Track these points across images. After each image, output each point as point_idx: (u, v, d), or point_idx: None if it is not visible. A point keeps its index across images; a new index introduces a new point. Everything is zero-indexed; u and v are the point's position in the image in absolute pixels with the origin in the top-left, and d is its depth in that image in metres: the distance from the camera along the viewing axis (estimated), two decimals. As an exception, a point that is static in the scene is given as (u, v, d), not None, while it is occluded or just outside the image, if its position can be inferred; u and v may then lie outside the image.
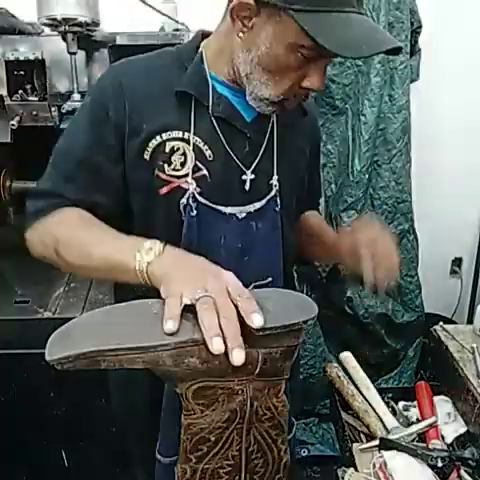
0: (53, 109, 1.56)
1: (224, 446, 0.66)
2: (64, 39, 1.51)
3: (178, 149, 0.81)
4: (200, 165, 0.82)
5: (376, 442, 1.05)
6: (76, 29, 1.50)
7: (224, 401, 0.64)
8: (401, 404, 1.19)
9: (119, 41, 1.57)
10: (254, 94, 0.78)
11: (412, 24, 1.85)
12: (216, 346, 0.56)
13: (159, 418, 0.87)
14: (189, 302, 0.59)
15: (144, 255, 0.67)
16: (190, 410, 0.64)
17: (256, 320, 0.58)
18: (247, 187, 0.85)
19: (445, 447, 1.06)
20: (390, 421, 1.10)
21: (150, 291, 0.67)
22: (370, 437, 1.11)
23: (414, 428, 1.09)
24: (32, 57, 1.55)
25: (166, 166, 0.81)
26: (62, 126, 1.56)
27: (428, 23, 1.89)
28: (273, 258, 0.90)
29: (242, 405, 0.65)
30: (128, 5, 1.70)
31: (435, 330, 1.30)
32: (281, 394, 0.68)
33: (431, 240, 2.20)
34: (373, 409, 1.14)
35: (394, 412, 1.16)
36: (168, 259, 0.67)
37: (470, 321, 2.26)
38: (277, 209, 0.88)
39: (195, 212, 0.82)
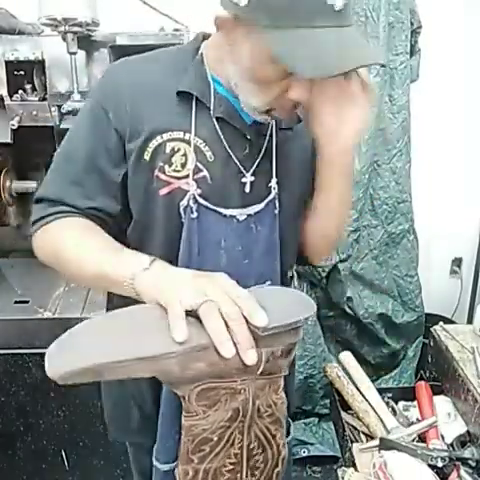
0: (53, 109, 1.56)
1: (226, 445, 0.67)
2: (64, 39, 1.51)
3: (179, 150, 0.81)
4: (201, 166, 0.81)
5: (376, 442, 1.05)
6: (76, 29, 1.50)
7: (227, 401, 0.64)
8: (401, 404, 1.20)
9: (119, 41, 1.57)
10: (244, 102, 0.78)
11: (412, 24, 1.85)
12: (228, 350, 0.57)
13: (156, 424, 0.87)
14: (190, 308, 0.60)
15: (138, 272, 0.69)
16: (192, 412, 0.64)
17: (260, 320, 0.59)
18: (247, 189, 0.85)
19: (445, 447, 1.06)
20: (390, 421, 1.10)
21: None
22: (370, 437, 1.11)
23: (414, 428, 1.09)
24: (32, 57, 1.55)
25: (166, 167, 0.81)
26: (62, 126, 1.56)
27: (428, 23, 1.89)
28: (272, 261, 0.89)
29: (244, 404, 0.65)
30: (128, 5, 1.70)
31: (435, 330, 1.30)
32: (280, 390, 0.69)
33: (431, 240, 2.20)
34: (373, 409, 1.14)
35: (394, 412, 1.16)
36: (156, 271, 0.69)
37: (470, 321, 2.27)
38: (276, 212, 0.87)
39: (195, 214, 0.81)
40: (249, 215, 0.85)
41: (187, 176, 0.81)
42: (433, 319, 1.79)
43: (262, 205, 0.86)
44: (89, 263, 0.75)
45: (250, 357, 0.59)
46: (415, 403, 1.18)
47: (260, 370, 0.63)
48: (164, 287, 0.64)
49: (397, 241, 2.01)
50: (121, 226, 0.87)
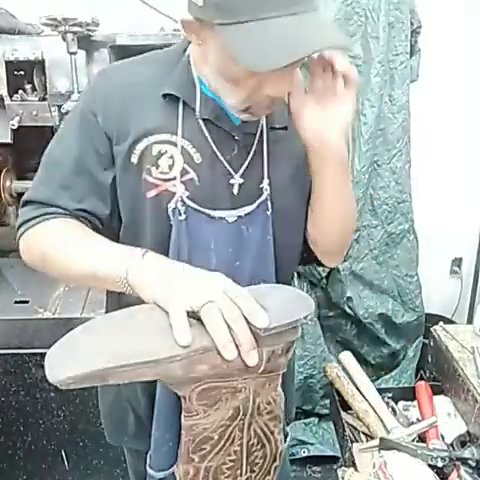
0: (53, 109, 1.56)
1: (226, 443, 0.67)
2: (64, 39, 1.51)
3: (165, 152, 0.80)
4: (188, 168, 0.81)
5: (376, 442, 1.05)
6: (76, 29, 1.50)
7: (227, 400, 0.64)
8: (401, 404, 1.20)
9: (119, 41, 1.57)
10: (224, 102, 0.78)
11: (412, 24, 1.85)
12: (230, 353, 0.58)
13: (150, 431, 0.86)
14: (191, 310, 0.60)
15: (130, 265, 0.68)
16: (192, 411, 0.64)
17: (261, 320, 0.59)
18: (235, 191, 0.84)
19: (445, 447, 1.06)
20: (390, 421, 1.10)
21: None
22: (370, 437, 1.11)
23: (414, 428, 1.09)
24: (32, 57, 1.55)
25: (153, 169, 0.80)
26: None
27: (428, 23, 1.89)
28: (265, 263, 0.88)
29: (245, 402, 0.65)
30: (128, 5, 1.70)
31: (435, 330, 1.30)
32: (279, 387, 0.69)
33: (431, 240, 2.20)
34: (373, 409, 1.14)
35: (394, 412, 1.16)
36: (151, 265, 0.68)
37: (470, 321, 2.27)
38: (268, 213, 0.86)
39: (184, 216, 0.80)
40: (239, 217, 0.84)
41: (174, 178, 0.80)
42: (433, 319, 1.79)
43: (253, 206, 0.85)
44: (79, 262, 0.75)
45: (252, 358, 0.59)
46: (415, 403, 1.18)
47: (261, 369, 0.64)
48: (162, 287, 0.64)
49: (397, 241, 2.01)
50: (113, 230, 0.87)
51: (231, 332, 0.59)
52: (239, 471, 0.70)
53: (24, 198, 0.87)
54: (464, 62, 2.09)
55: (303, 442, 2.03)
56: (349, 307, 1.99)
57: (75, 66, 1.55)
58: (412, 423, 1.13)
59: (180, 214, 0.80)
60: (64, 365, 0.57)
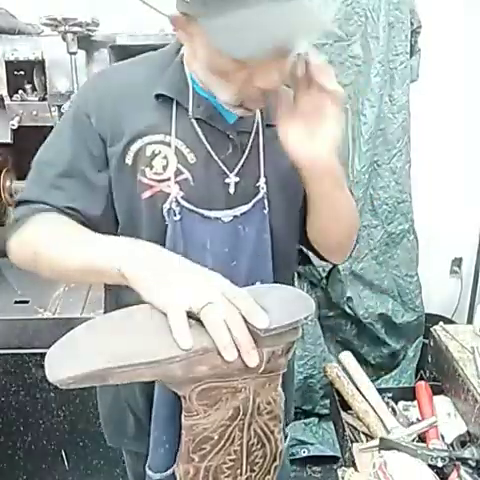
0: (53, 109, 1.56)
1: (227, 442, 0.67)
2: (64, 39, 1.51)
3: (159, 152, 0.80)
4: (182, 169, 0.80)
5: (376, 442, 1.05)
6: (76, 29, 1.50)
7: (227, 400, 0.64)
8: (401, 404, 1.19)
9: (119, 41, 1.57)
10: (217, 98, 0.77)
11: (412, 24, 1.85)
12: (231, 354, 0.57)
13: (149, 431, 0.87)
14: (190, 310, 0.59)
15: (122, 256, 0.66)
16: (192, 411, 0.64)
17: (261, 321, 0.58)
18: (231, 190, 0.83)
19: (445, 447, 1.06)
20: (390, 421, 1.10)
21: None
22: (370, 437, 1.11)
23: (414, 428, 1.09)
24: (32, 57, 1.55)
25: (147, 170, 0.80)
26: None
27: (428, 23, 1.89)
28: (262, 262, 0.87)
29: (245, 402, 0.65)
30: (128, 5, 1.70)
31: (435, 330, 1.30)
32: (279, 387, 0.69)
33: (431, 240, 2.20)
34: (373, 409, 1.14)
35: (394, 412, 1.16)
36: (146, 256, 0.66)
37: (470, 321, 2.27)
38: (265, 212, 0.85)
39: (179, 216, 0.80)
40: (235, 216, 0.83)
41: (169, 179, 0.80)
42: (433, 319, 1.79)
43: (249, 205, 0.84)
44: (73, 257, 0.73)
45: (253, 359, 0.59)
46: (415, 403, 1.18)
47: (261, 369, 0.64)
48: (157, 281, 0.62)
49: (397, 241, 2.01)
50: (107, 232, 0.87)
51: (231, 333, 0.58)
52: (239, 471, 0.70)
53: (16, 199, 0.87)
54: (464, 62, 2.09)
55: (303, 442, 2.03)
56: (349, 307, 1.99)
57: (75, 66, 1.55)
58: (412, 423, 1.13)
59: (175, 214, 0.80)
60: (64, 365, 0.57)
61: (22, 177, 1.81)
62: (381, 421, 1.11)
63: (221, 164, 0.82)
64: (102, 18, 1.57)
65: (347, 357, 1.28)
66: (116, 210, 0.85)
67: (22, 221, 0.82)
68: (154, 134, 0.80)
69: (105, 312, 0.92)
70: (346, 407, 1.19)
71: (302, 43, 0.70)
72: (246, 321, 0.59)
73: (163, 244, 0.80)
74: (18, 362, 1.52)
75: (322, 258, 1.00)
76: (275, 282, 0.89)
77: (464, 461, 1.00)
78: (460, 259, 2.42)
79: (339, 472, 1.01)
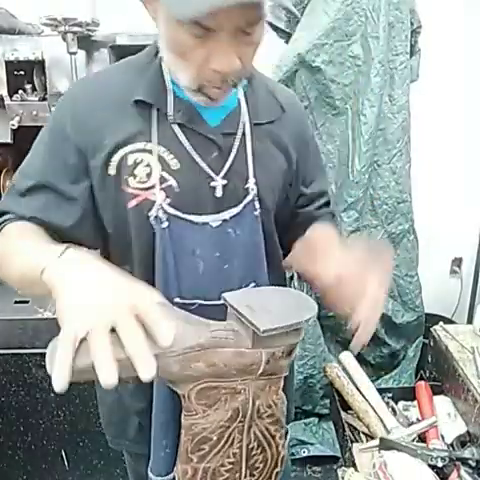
0: (53, 109, 1.56)
1: (225, 444, 0.67)
2: (64, 39, 1.51)
3: (141, 161, 0.78)
4: (166, 175, 0.79)
5: (376, 442, 1.05)
6: (76, 29, 1.50)
7: (226, 400, 0.64)
8: (401, 404, 1.20)
9: (119, 41, 1.57)
10: (178, 83, 0.75)
11: (412, 24, 1.85)
12: (108, 384, 0.51)
13: (150, 433, 0.87)
14: (84, 335, 0.53)
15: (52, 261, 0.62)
16: (192, 411, 0.64)
17: (164, 337, 0.54)
18: (218, 194, 0.81)
19: (445, 447, 1.06)
20: (390, 421, 1.10)
21: None
22: (370, 437, 1.11)
23: (414, 428, 1.09)
24: (32, 57, 1.55)
25: (131, 179, 0.78)
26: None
27: (428, 23, 1.89)
28: (256, 263, 0.87)
29: (244, 404, 0.65)
30: (128, 5, 1.69)
31: (435, 330, 1.30)
32: (280, 391, 0.69)
33: (431, 240, 2.20)
34: (373, 409, 1.14)
35: (394, 412, 1.16)
36: (64, 267, 0.61)
37: (470, 321, 2.27)
38: (256, 213, 0.84)
39: (166, 223, 0.79)
40: (225, 220, 0.82)
41: (153, 187, 0.79)
42: (433, 319, 1.79)
43: (239, 208, 0.83)
44: (13, 267, 0.72)
45: (145, 374, 0.53)
46: (415, 403, 1.18)
47: (260, 371, 0.63)
48: (65, 300, 0.56)
49: (397, 241, 2.01)
50: (97, 245, 0.87)
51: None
52: (238, 474, 0.69)
53: None
54: (464, 62, 2.09)
55: (303, 442, 2.03)
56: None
57: (75, 66, 1.55)
58: (412, 423, 1.13)
59: (162, 222, 0.79)
60: None
61: (22, 177, 1.81)
62: (381, 421, 1.11)
63: (207, 168, 0.80)
64: (102, 18, 1.57)
65: (347, 357, 1.28)
66: (103, 220, 0.84)
67: None
68: (135, 142, 0.78)
69: None
70: (346, 407, 1.19)
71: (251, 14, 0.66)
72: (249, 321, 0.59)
73: (153, 251, 0.80)
74: (18, 362, 1.52)
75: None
76: (270, 282, 0.89)
77: (464, 461, 1.00)
78: (460, 259, 2.42)
79: (339, 472, 1.01)
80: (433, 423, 1.09)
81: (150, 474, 0.87)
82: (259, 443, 0.70)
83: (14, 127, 1.54)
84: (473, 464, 1.00)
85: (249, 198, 0.83)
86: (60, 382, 0.51)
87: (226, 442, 0.67)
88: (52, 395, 1.56)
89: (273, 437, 0.71)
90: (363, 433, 1.13)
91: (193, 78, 0.72)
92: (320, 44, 1.77)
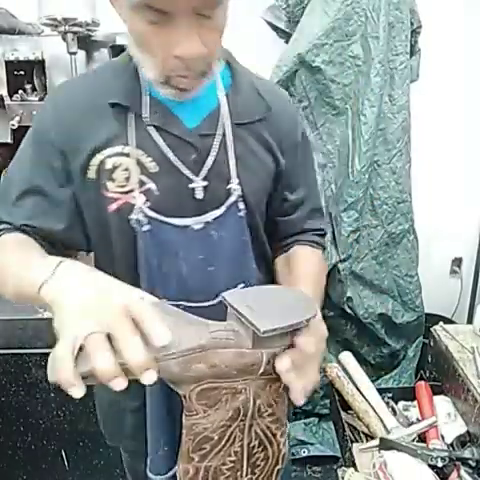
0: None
1: (227, 443, 0.67)
2: (64, 39, 1.51)
3: (120, 164, 0.78)
4: (145, 178, 0.78)
5: (376, 442, 1.05)
6: (76, 29, 1.50)
7: (227, 400, 0.64)
8: (401, 404, 1.20)
9: (119, 41, 1.57)
10: (146, 75, 0.74)
11: (412, 24, 1.85)
12: (117, 387, 0.52)
13: (146, 430, 0.87)
14: (82, 342, 0.52)
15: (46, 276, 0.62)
16: (192, 411, 0.64)
17: (160, 338, 0.54)
18: (199, 196, 0.80)
19: (445, 447, 1.06)
20: (390, 421, 1.10)
21: None
22: (370, 437, 1.11)
23: (414, 428, 1.09)
24: (32, 57, 1.56)
25: (110, 183, 0.78)
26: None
27: (428, 23, 1.90)
28: (243, 263, 0.86)
29: (245, 403, 0.65)
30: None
31: (435, 330, 1.30)
32: (281, 389, 0.69)
33: (431, 240, 2.20)
34: (373, 409, 1.14)
35: (394, 412, 1.16)
36: (60, 281, 0.60)
37: (470, 321, 2.27)
38: (241, 214, 0.82)
39: (147, 227, 0.79)
40: (207, 222, 0.81)
41: (133, 190, 0.78)
42: (433, 319, 1.79)
43: (222, 210, 0.81)
44: (8, 282, 0.71)
45: (147, 380, 0.53)
46: (415, 403, 1.18)
47: (261, 371, 0.64)
48: (60, 309, 0.56)
49: (397, 241, 2.01)
50: (76, 244, 0.86)
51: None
52: (239, 473, 0.70)
53: None
54: (464, 62, 2.09)
55: (303, 442, 2.03)
56: (349, 307, 1.99)
57: (75, 66, 1.55)
58: (412, 423, 1.13)
59: (143, 225, 0.79)
60: None
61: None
62: (381, 421, 1.11)
63: (185, 170, 0.79)
64: (102, 18, 1.57)
65: (347, 357, 1.28)
66: (86, 226, 0.84)
67: None
68: (113, 146, 0.78)
69: None
70: (346, 407, 1.19)
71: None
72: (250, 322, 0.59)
73: (136, 254, 0.80)
74: (18, 362, 1.52)
75: None
76: (260, 283, 0.88)
77: (464, 461, 1.00)
78: (460, 259, 2.42)
79: (339, 472, 1.01)
80: (433, 423, 1.09)
81: (149, 474, 0.87)
82: (260, 441, 0.70)
83: (14, 127, 1.54)
84: (473, 464, 1.00)
85: (232, 199, 0.82)
86: (75, 391, 0.53)
87: (227, 441, 0.67)
88: (52, 395, 1.57)
89: (274, 435, 0.71)
90: (363, 433, 1.13)
91: (159, 70, 0.71)
92: (320, 44, 1.77)
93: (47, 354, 0.56)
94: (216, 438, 0.66)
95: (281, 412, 0.70)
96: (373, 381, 1.22)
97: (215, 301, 0.81)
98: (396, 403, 1.19)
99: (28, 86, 1.59)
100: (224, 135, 0.81)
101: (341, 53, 1.81)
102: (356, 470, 1.00)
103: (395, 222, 1.98)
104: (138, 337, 0.53)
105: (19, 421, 1.60)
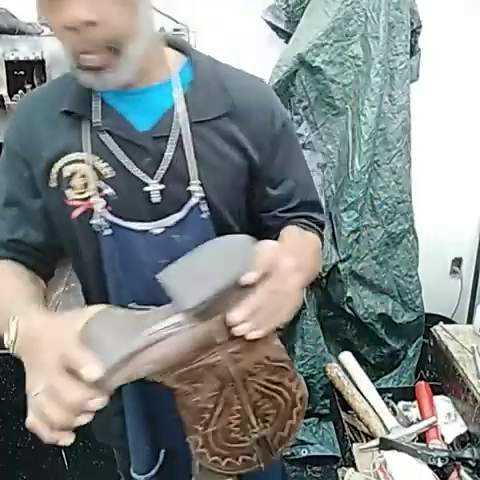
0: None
1: (225, 407, 0.67)
2: (64, 39, 1.51)
3: (77, 172, 0.78)
4: (102, 184, 0.78)
5: (376, 442, 1.05)
6: (76, 29, 1.50)
7: (207, 374, 0.64)
8: (401, 404, 1.20)
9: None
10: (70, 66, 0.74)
11: (412, 24, 1.85)
12: (48, 440, 0.59)
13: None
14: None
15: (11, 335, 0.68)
16: (177, 391, 0.64)
17: (89, 373, 0.56)
18: (155, 199, 0.79)
19: (445, 447, 1.06)
20: (390, 421, 1.10)
21: None
22: (370, 437, 1.11)
23: (414, 428, 1.09)
24: (32, 57, 1.55)
25: (69, 191, 0.79)
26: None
27: (428, 23, 1.89)
28: None
29: (227, 372, 0.65)
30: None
31: (435, 330, 1.30)
32: (271, 343, 0.67)
33: (431, 240, 2.20)
34: (373, 409, 1.14)
35: (394, 412, 1.16)
36: (20, 342, 0.67)
37: (470, 321, 2.27)
38: (205, 216, 0.80)
39: (109, 231, 0.79)
40: (168, 227, 0.79)
41: (91, 196, 0.79)
42: (433, 319, 1.79)
43: (183, 213, 0.79)
44: None
45: (64, 440, 0.61)
46: (415, 403, 1.18)
47: (221, 339, 0.62)
48: (28, 368, 0.64)
49: (397, 241, 2.01)
50: (58, 256, 0.89)
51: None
52: (249, 425, 0.69)
53: None
54: (464, 62, 2.09)
55: (303, 442, 2.03)
56: (349, 307, 1.99)
57: (75, 66, 1.55)
58: (412, 423, 1.13)
59: (104, 230, 0.79)
60: None
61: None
62: (381, 421, 1.11)
63: (141, 174, 0.78)
64: (102, 18, 1.57)
65: (347, 357, 1.28)
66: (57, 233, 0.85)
67: None
68: (69, 153, 0.78)
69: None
70: (346, 407, 1.19)
71: None
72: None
73: (100, 260, 0.81)
74: (18, 362, 1.52)
75: None
76: None
77: (464, 461, 1.00)
78: (460, 259, 2.42)
79: (339, 472, 1.01)
80: (433, 423, 1.09)
81: (133, 474, 0.89)
82: (263, 394, 0.68)
83: (14, 127, 1.54)
84: (473, 464, 1.00)
85: (193, 201, 0.79)
86: (64, 440, 0.62)
87: (225, 405, 0.67)
88: (52, 395, 1.56)
89: (279, 383, 0.69)
90: (363, 433, 1.14)
91: (69, 53, 0.70)
92: (320, 44, 1.77)
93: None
94: (211, 406, 0.66)
95: (279, 362, 0.68)
96: (373, 381, 1.22)
97: None
98: (396, 403, 1.19)
99: (28, 86, 1.59)
100: (180, 135, 0.78)
101: (341, 53, 1.81)
102: (356, 470, 1.00)
103: (395, 222, 1.98)
104: (73, 386, 0.57)
105: (19, 421, 1.60)
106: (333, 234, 1.94)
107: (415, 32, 1.89)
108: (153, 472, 0.88)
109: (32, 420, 0.59)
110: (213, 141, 0.80)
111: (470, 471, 0.99)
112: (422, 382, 1.21)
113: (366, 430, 1.13)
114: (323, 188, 1.95)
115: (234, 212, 0.85)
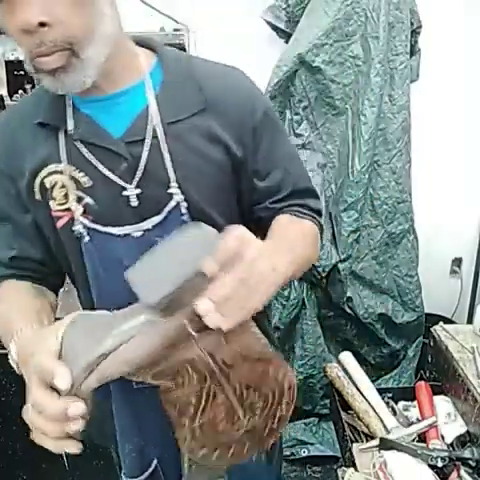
0: None
1: (208, 400, 0.66)
2: (64, 39, 1.51)
3: (57, 183, 0.79)
4: (81, 194, 0.78)
5: (376, 442, 1.05)
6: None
7: (184, 370, 0.64)
8: (401, 404, 1.20)
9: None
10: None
11: (412, 24, 1.85)
12: (55, 450, 0.60)
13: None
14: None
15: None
16: (158, 387, 0.65)
17: (61, 383, 0.57)
18: (134, 203, 0.79)
19: (445, 447, 1.06)
20: (390, 421, 1.10)
21: None
22: (370, 437, 1.11)
23: (414, 428, 1.09)
24: (32, 57, 1.55)
25: (52, 202, 0.80)
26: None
27: (428, 23, 1.89)
28: None
29: (205, 365, 0.64)
30: (128, 5, 1.70)
31: (435, 330, 1.30)
32: (248, 333, 0.66)
33: (431, 240, 2.20)
34: (373, 409, 1.14)
35: (394, 412, 1.16)
36: (19, 362, 0.75)
37: (470, 321, 2.27)
38: (185, 218, 0.79)
39: (88, 238, 0.80)
40: (148, 230, 0.79)
41: (72, 206, 0.79)
42: (433, 319, 1.79)
43: (162, 216, 0.79)
44: None
45: (71, 449, 0.61)
46: (415, 403, 1.18)
47: (192, 333, 0.61)
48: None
49: (397, 241, 2.01)
50: (56, 268, 0.89)
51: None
52: (236, 417, 0.68)
53: None
54: (464, 62, 2.09)
55: (303, 442, 2.03)
56: (349, 307, 1.99)
57: (75, 66, 1.55)
58: (412, 423, 1.13)
59: (84, 237, 0.80)
60: None
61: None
62: (381, 421, 1.11)
63: (118, 180, 0.78)
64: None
65: (347, 357, 1.28)
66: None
67: None
68: (48, 165, 0.79)
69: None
70: (346, 407, 1.19)
71: None
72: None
73: (85, 266, 0.82)
74: (18, 362, 1.52)
75: None
76: None
77: (464, 461, 1.00)
78: (460, 259, 2.42)
79: (339, 472, 1.01)
80: (433, 423, 1.09)
81: (124, 478, 0.91)
82: (247, 385, 0.67)
83: (14, 127, 1.54)
84: (473, 464, 1.00)
85: (173, 204, 0.79)
86: (70, 449, 0.61)
87: (207, 398, 0.66)
88: (52, 395, 1.57)
89: (263, 374, 0.68)
90: (363, 433, 1.14)
91: (26, 54, 0.68)
92: (320, 44, 1.77)
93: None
94: (194, 400, 0.65)
95: (259, 350, 0.67)
96: (373, 381, 1.22)
97: None
98: (396, 403, 1.19)
99: (28, 86, 1.59)
100: (155, 137, 0.77)
101: (341, 53, 1.81)
102: (356, 470, 1.00)
103: (395, 222, 1.98)
104: (51, 400, 0.58)
105: (19, 421, 1.60)
106: (333, 234, 1.94)
107: (415, 32, 1.89)
108: (143, 477, 0.89)
109: (33, 435, 0.61)
110: (191, 140, 0.79)
111: (470, 471, 0.99)
112: (422, 382, 1.21)
113: (366, 430, 1.13)
114: (323, 188, 1.95)
115: (226, 213, 0.84)
